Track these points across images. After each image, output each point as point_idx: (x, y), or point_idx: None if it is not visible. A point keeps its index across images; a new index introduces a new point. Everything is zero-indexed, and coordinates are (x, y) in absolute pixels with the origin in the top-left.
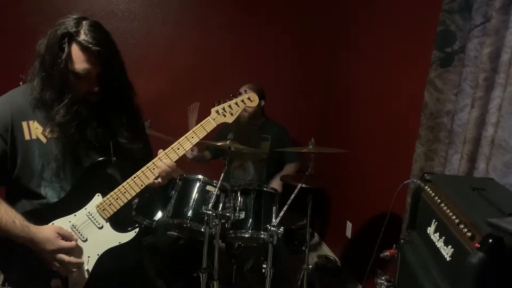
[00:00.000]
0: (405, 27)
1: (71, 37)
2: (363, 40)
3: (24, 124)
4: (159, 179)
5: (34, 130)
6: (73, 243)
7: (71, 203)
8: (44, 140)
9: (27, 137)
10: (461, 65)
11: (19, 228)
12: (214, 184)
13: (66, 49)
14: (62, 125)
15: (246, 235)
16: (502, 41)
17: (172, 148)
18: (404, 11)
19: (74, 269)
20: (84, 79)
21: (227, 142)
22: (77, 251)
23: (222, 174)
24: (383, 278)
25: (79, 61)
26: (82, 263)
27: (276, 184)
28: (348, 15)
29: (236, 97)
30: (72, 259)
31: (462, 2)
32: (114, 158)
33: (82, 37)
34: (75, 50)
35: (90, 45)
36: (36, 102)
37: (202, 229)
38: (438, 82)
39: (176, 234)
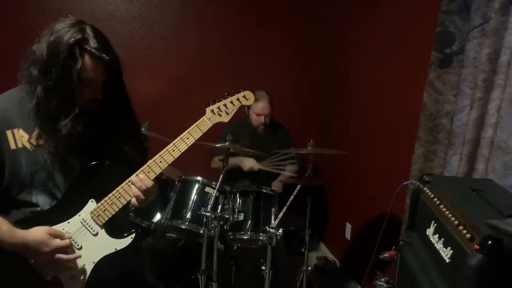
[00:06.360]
0: (404, 28)
1: (81, 45)
2: (363, 41)
3: (9, 133)
4: (138, 195)
5: (19, 138)
6: (67, 240)
7: (64, 210)
8: (30, 148)
9: (12, 146)
10: (460, 66)
11: (7, 234)
12: (213, 186)
13: (79, 59)
14: (67, 137)
15: (245, 237)
16: (501, 42)
17: (167, 150)
18: (403, 13)
19: (74, 271)
20: (90, 87)
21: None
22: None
23: (221, 175)
24: (383, 279)
25: (90, 70)
26: (79, 257)
27: (276, 185)
28: (348, 16)
29: (231, 96)
30: (70, 256)
31: (461, 3)
32: (108, 162)
33: (92, 45)
34: (87, 59)
35: (102, 55)
36: (38, 112)
37: (201, 231)
38: (437, 83)
39: (175, 236)
